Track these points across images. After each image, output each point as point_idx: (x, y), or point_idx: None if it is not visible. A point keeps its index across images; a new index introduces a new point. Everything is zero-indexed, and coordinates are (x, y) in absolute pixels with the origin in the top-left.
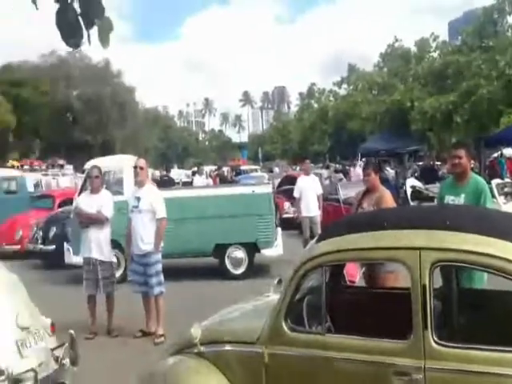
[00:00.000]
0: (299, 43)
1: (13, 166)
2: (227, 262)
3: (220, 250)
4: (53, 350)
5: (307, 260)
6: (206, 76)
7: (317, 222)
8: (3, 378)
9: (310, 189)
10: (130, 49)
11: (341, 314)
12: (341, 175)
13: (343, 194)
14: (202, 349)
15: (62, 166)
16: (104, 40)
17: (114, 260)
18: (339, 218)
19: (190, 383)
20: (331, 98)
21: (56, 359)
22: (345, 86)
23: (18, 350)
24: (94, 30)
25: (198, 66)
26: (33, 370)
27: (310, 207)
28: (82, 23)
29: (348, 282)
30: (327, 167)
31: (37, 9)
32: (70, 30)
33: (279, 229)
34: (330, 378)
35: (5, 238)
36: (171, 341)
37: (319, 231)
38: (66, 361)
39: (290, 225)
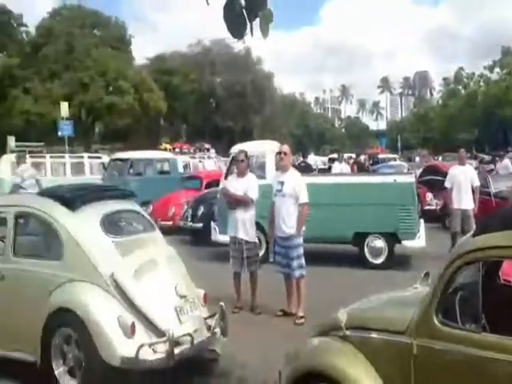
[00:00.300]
0: (442, 26)
1: (165, 149)
2: (366, 250)
3: (359, 238)
4: (205, 319)
5: (462, 254)
6: (344, 62)
7: (469, 215)
8: (165, 338)
9: (463, 179)
10: (269, 35)
11: (497, 313)
12: (491, 166)
13: (494, 187)
14: (348, 333)
15: (207, 150)
16: (264, 31)
17: (257, 241)
18: (491, 212)
19: (336, 364)
20: (481, 83)
21: (208, 328)
22: (497, 69)
23: (177, 316)
24: (255, 21)
25: (336, 51)
26: (189, 334)
27: (463, 199)
28: (246, 16)
29: (503, 281)
30: (475, 157)
31: (208, 4)
32: (235, 22)
33: (422, 220)
34: (485, 378)
35: (159, 214)
36: (311, 323)
37: (473, 226)
38: (217, 330)
39: (432, 217)
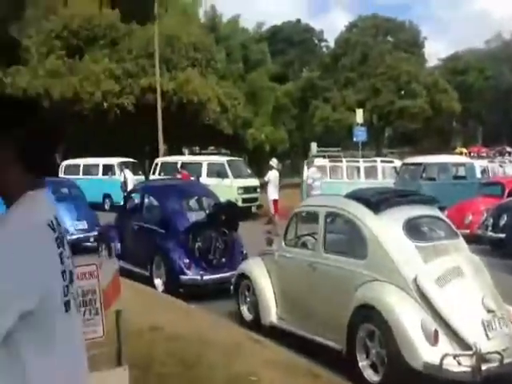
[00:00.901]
0: None
1: (461, 153)
2: None
3: None
4: None
5: None
6: None
7: None
8: (471, 352)
9: None
10: None
11: None
12: None
13: None
14: None
15: (509, 154)
16: None
17: None
18: None
19: None
20: None
21: None
22: None
23: (485, 330)
24: None
25: None
26: (498, 352)
27: None
28: None
29: None
30: None
31: None
32: None
33: None
34: None
35: (454, 221)
36: None
37: None
38: None
39: None
